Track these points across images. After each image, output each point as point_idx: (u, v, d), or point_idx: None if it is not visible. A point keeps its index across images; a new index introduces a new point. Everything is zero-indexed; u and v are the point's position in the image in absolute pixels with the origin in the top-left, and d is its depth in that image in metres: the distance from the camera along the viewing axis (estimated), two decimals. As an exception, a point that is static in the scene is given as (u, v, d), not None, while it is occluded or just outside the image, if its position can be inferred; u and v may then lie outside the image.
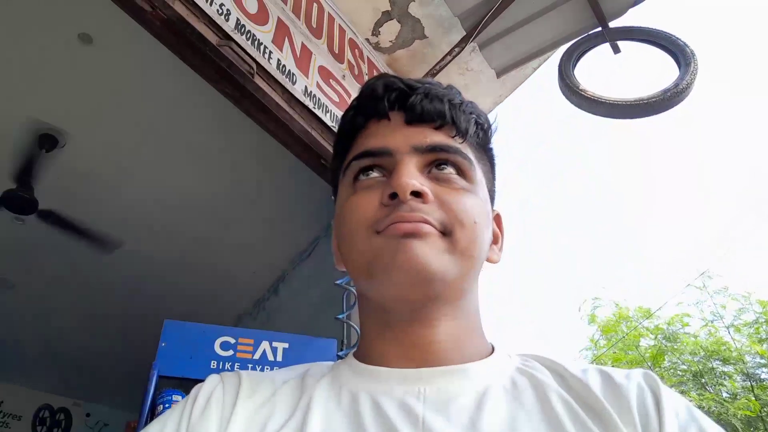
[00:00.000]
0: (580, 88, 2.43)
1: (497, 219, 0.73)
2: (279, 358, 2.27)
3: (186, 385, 2.27)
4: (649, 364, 10.26)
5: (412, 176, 0.58)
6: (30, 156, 3.26)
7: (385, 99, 0.65)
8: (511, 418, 0.53)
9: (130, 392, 3.67)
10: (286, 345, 2.31)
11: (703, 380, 9.60)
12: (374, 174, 0.63)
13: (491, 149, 0.72)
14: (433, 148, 0.62)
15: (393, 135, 0.64)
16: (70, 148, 3.30)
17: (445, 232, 0.57)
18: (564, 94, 2.51)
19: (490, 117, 0.73)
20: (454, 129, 0.64)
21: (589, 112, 2.45)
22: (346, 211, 0.63)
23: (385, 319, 0.62)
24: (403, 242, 0.55)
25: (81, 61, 2.80)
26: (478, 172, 0.65)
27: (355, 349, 0.67)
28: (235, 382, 0.61)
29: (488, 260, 0.67)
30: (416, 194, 0.57)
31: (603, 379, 0.58)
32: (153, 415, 2.04)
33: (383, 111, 0.66)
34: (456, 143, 0.64)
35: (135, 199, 3.54)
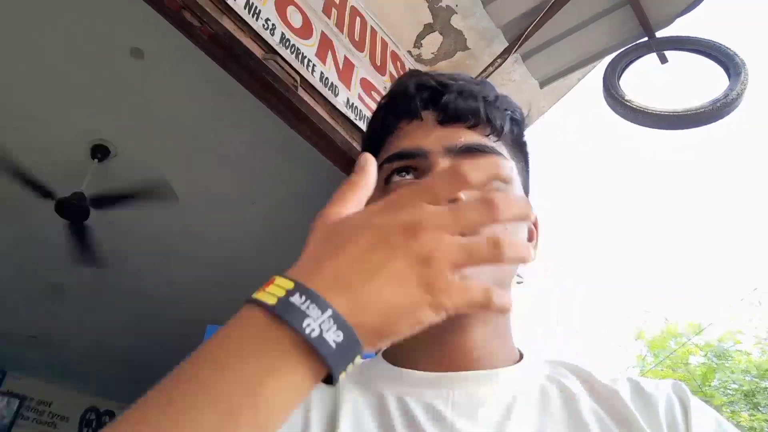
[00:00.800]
0: (626, 98, 2.38)
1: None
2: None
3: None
4: (698, 383, 9.93)
5: None
6: (83, 165, 3.39)
7: (417, 98, 0.64)
8: (539, 426, 0.53)
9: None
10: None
11: (755, 400, 9.22)
12: (408, 176, 0.61)
13: (525, 143, 0.70)
14: (468, 148, 0.60)
15: (426, 135, 0.62)
16: (121, 159, 3.43)
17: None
18: (609, 105, 2.46)
19: (524, 109, 0.70)
20: (488, 127, 0.62)
21: (635, 123, 2.40)
22: None
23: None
24: None
25: (133, 74, 2.91)
26: (515, 172, 0.64)
27: (383, 351, 0.67)
28: None
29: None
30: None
31: (633, 389, 0.57)
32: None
33: (415, 110, 0.64)
34: (490, 142, 0.62)
35: (181, 206, 3.63)
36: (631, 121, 2.41)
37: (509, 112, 0.65)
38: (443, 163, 0.58)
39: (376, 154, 0.66)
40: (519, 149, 0.68)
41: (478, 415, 0.54)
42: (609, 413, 0.55)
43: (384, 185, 0.62)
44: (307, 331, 0.33)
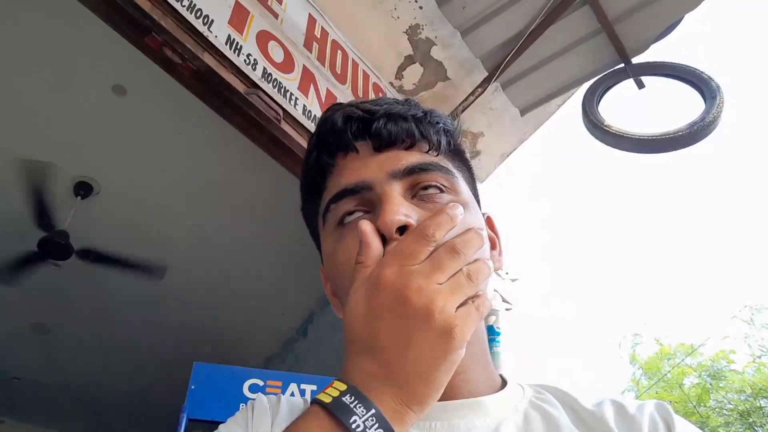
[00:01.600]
0: (605, 124, 2.42)
1: (489, 222, 0.69)
2: (307, 398, 2.27)
3: (215, 428, 2.27)
4: (693, 403, 9.89)
5: (395, 212, 0.53)
6: (65, 203, 3.36)
7: (348, 131, 0.62)
8: None
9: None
10: (314, 387, 2.31)
11: (751, 420, 9.19)
12: (358, 214, 0.59)
13: (463, 151, 0.68)
14: (411, 170, 0.58)
15: (366, 166, 0.60)
16: (104, 195, 3.41)
17: None
18: (589, 130, 2.50)
19: (449, 117, 0.69)
20: (425, 144, 0.61)
21: (615, 147, 2.44)
22: (338, 260, 0.60)
23: None
24: None
25: (115, 111, 2.91)
26: (461, 182, 0.62)
27: None
28: (276, 404, 0.65)
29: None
30: (404, 228, 0.53)
31: (616, 411, 0.57)
32: (183, 460, 2.04)
33: (349, 143, 0.62)
34: (432, 158, 0.61)
35: (167, 243, 3.60)
36: (611, 146, 2.44)
37: (441, 124, 0.64)
38: (391, 189, 0.57)
39: (317, 197, 0.66)
40: (459, 157, 0.67)
41: None
42: None
43: (336, 227, 0.61)
44: (353, 426, 0.39)
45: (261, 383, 2.26)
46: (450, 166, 0.62)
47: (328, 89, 2.36)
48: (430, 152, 0.61)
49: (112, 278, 4.06)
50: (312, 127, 2.19)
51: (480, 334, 0.63)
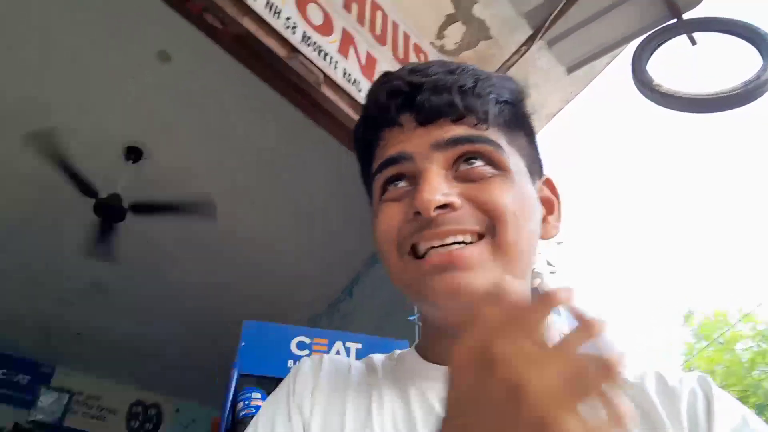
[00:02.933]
0: (655, 83, 2.33)
1: (549, 184, 0.68)
2: (353, 357, 2.33)
3: (264, 383, 2.36)
4: (746, 367, 9.67)
5: (434, 190, 0.53)
6: (117, 167, 3.48)
7: (392, 105, 0.61)
8: None
9: (216, 390, 3.86)
10: (359, 345, 2.36)
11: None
12: (401, 183, 0.59)
13: (525, 116, 0.65)
14: (454, 141, 0.57)
15: (409, 139, 0.59)
16: (154, 160, 3.51)
17: (486, 234, 0.54)
18: (638, 89, 2.41)
19: (517, 82, 0.65)
20: (472, 117, 0.58)
21: (665, 107, 2.35)
22: (376, 225, 0.61)
23: (439, 326, 0.62)
24: (441, 275, 0.53)
25: (161, 77, 2.97)
26: (512, 155, 0.60)
27: (416, 343, 0.69)
28: (318, 365, 0.66)
29: (545, 237, 0.63)
30: (444, 206, 0.53)
31: (657, 381, 0.56)
32: (234, 411, 2.15)
33: (393, 119, 0.61)
34: (478, 131, 0.58)
35: (217, 204, 3.69)
36: (661, 105, 2.36)
37: (493, 95, 0.60)
38: (431, 163, 0.56)
39: (369, 169, 0.66)
40: (516, 128, 0.63)
41: None
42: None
43: (380, 196, 0.62)
44: None
45: (308, 341, 2.33)
46: (500, 139, 0.60)
47: (368, 51, 2.35)
48: (478, 125, 0.59)
49: (167, 239, 4.22)
50: (352, 90, 2.19)
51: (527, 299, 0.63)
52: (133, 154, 3.43)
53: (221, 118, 3.20)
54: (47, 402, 6.51)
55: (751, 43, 2.25)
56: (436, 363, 0.62)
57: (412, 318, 2.59)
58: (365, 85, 2.25)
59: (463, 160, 0.57)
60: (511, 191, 0.56)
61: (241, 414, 2.12)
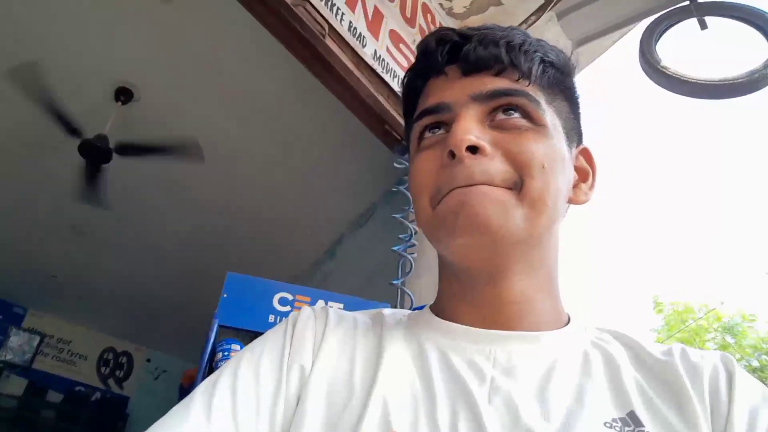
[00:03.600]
0: (662, 65, 2.31)
1: (585, 154, 0.68)
2: (335, 317, 2.32)
3: (243, 335, 2.35)
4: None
5: (467, 130, 0.55)
6: (106, 108, 3.38)
7: (439, 53, 0.62)
8: (578, 390, 0.53)
9: (189, 342, 3.85)
10: (341, 305, 2.35)
11: (763, 375, 9.25)
12: (438, 132, 0.61)
13: (570, 86, 0.66)
14: (494, 93, 0.58)
15: (451, 88, 0.60)
16: (144, 102, 3.42)
17: (513, 184, 0.55)
18: (644, 70, 2.39)
19: (567, 53, 0.66)
20: (516, 72, 0.59)
21: (670, 90, 2.34)
22: (412, 174, 0.62)
23: (458, 277, 0.62)
24: (463, 205, 0.54)
25: (160, 18, 2.87)
26: (549, 113, 0.60)
27: (432, 303, 0.68)
28: (324, 314, 0.64)
29: (575, 201, 0.64)
30: (474, 150, 0.54)
31: (681, 355, 0.56)
32: (212, 361, 2.13)
33: (439, 66, 0.62)
34: (520, 86, 0.59)
35: (204, 152, 3.63)
36: (666, 89, 2.34)
37: (539, 54, 0.61)
38: (467, 111, 0.58)
39: (411, 117, 0.66)
40: (559, 91, 0.64)
41: (518, 373, 0.54)
42: (653, 382, 0.54)
43: (417, 143, 0.63)
44: None
45: (290, 297, 2.31)
46: (540, 96, 0.60)
47: (375, 6, 2.29)
48: (520, 80, 0.59)
49: (152, 185, 4.15)
50: (356, 44, 2.13)
51: (551, 261, 0.63)
52: (123, 95, 3.34)
53: (217, 65, 3.12)
54: (17, 343, 6.49)
55: (762, 32, 2.23)
56: (453, 321, 0.61)
57: (395, 282, 2.58)
58: (370, 41, 2.20)
59: (500, 111, 0.58)
60: (542, 144, 0.57)
61: (219, 364, 2.11)
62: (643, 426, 0.49)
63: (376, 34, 2.25)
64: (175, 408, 0.54)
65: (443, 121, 0.60)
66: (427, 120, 0.61)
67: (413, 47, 2.43)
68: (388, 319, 0.66)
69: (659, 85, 2.35)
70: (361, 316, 0.67)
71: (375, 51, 2.22)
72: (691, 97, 2.31)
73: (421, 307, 0.69)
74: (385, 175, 3.14)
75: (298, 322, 0.63)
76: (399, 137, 2.32)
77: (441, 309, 0.64)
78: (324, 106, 2.86)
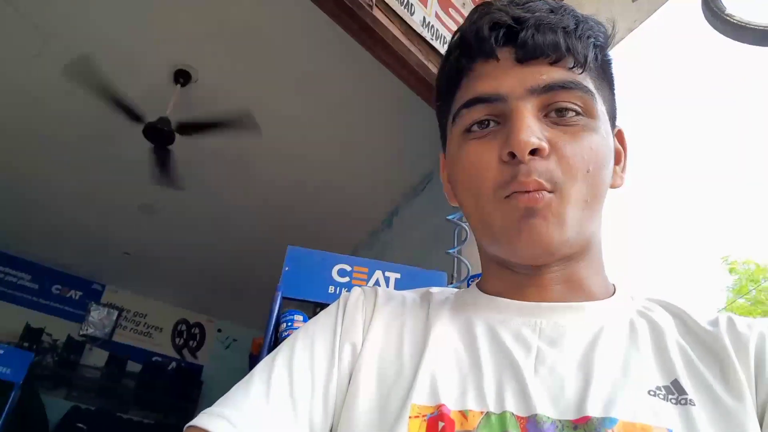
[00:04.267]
0: (727, 12, 2.18)
1: (619, 135, 0.68)
2: (392, 286, 2.36)
3: (305, 306, 2.43)
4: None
5: (530, 132, 0.53)
6: (166, 90, 3.49)
7: (492, 38, 0.59)
8: (624, 357, 0.53)
9: (256, 312, 3.98)
10: (398, 275, 2.39)
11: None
12: (491, 125, 0.59)
13: (610, 65, 0.65)
14: (551, 87, 0.56)
15: (505, 76, 0.58)
16: (202, 84, 3.51)
17: (557, 187, 0.54)
18: (707, 19, 2.26)
19: (606, 26, 0.65)
20: (571, 60, 0.58)
21: (736, 39, 2.21)
22: (465, 163, 0.60)
23: (507, 266, 0.63)
24: (525, 222, 0.54)
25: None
26: (600, 103, 0.59)
27: (478, 280, 0.69)
28: (374, 294, 0.67)
29: (611, 186, 0.64)
30: (534, 151, 0.54)
31: (728, 324, 0.56)
32: (277, 332, 2.22)
33: (491, 51, 0.59)
34: (575, 76, 0.57)
35: (262, 131, 3.71)
36: (732, 38, 2.21)
37: (592, 39, 0.60)
38: (525, 106, 0.56)
39: (452, 96, 0.64)
40: (604, 75, 0.63)
41: (563, 343, 0.55)
42: (699, 349, 0.54)
43: (464, 131, 0.61)
44: None
45: (348, 268, 2.37)
46: (591, 85, 0.59)
47: (423, -28, 2.25)
48: (574, 68, 0.58)
49: (215, 163, 4.28)
50: (404, 13, 2.11)
51: (597, 245, 0.63)
52: (182, 77, 3.44)
53: (269, 41, 3.16)
54: (98, 317, 6.88)
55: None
56: (499, 297, 0.62)
57: (451, 251, 2.58)
58: (418, 8, 2.17)
59: (555, 108, 0.57)
60: (594, 141, 0.57)
61: (283, 334, 2.20)
62: (686, 394, 0.49)
63: (424, 1, 2.21)
64: (237, 385, 0.57)
65: (497, 113, 0.58)
66: (480, 112, 0.59)
67: (463, 10, 2.38)
68: (436, 297, 0.68)
69: (725, 34, 2.23)
70: (410, 294, 0.69)
71: (424, 18, 2.20)
72: (759, 45, 2.18)
73: (478, 275, 0.70)
74: (439, 143, 3.12)
75: (349, 302, 0.66)
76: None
77: (487, 285, 0.66)
78: (375, 76, 2.85)
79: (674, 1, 2.65)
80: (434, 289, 0.70)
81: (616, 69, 0.66)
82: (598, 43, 0.61)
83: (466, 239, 2.52)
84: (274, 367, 0.58)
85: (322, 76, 3.34)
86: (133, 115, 3.51)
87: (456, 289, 0.72)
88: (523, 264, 0.59)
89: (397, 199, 4.24)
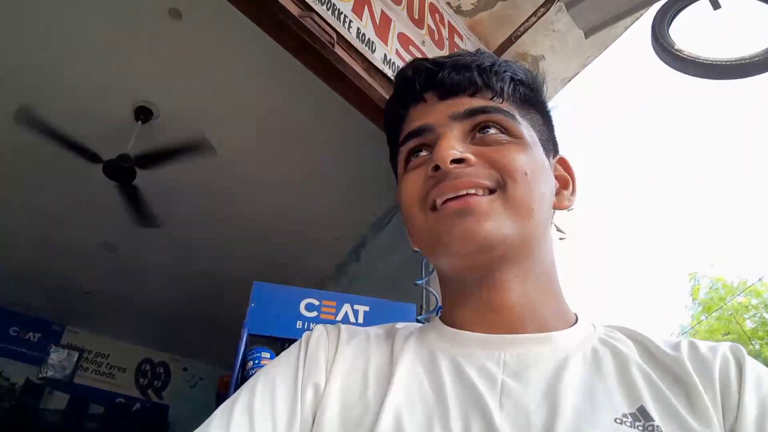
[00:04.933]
0: (676, 48, 2.27)
1: (563, 163, 0.73)
2: (360, 320, 2.35)
3: (273, 343, 2.39)
4: (748, 336, 9.75)
5: (451, 146, 0.60)
6: (127, 128, 3.46)
7: (417, 82, 0.67)
8: (588, 386, 0.54)
9: (223, 349, 3.90)
10: (367, 308, 2.38)
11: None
12: (423, 153, 0.65)
13: (541, 100, 0.71)
14: (471, 112, 0.63)
15: (432, 112, 0.65)
16: (163, 119, 3.48)
17: (497, 188, 0.59)
18: (658, 54, 2.35)
19: (533, 70, 0.72)
20: (489, 91, 0.65)
21: (684, 73, 2.30)
22: (401, 192, 0.66)
23: (458, 286, 0.64)
24: (455, 221, 0.57)
25: (172, 35, 2.93)
26: (524, 126, 0.65)
27: (440, 313, 0.70)
28: (336, 332, 0.67)
29: (558, 207, 0.68)
30: (459, 161, 0.59)
31: (690, 350, 0.57)
32: (244, 369, 2.18)
33: (418, 94, 0.67)
34: (495, 103, 0.64)
35: (222, 166, 3.68)
36: (681, 71, 2.30)
37: (509, 73, 0.67)
38: (449, 129, 0.62)
39: (396, 142, 0.71)
40: (531, 106, 0.69)
41: (528, 376, 0.55)
42: (662, 374, 0.55)
43: (404, 165, 0.67)
44: None
45: (316, 302, 2.35)
46: (515, 111, 0.65)
47: (382, 10, 2.30)
48: (495, 99, 0.65)
49: (176, 199, 4.22)
50: (366, 50, 2.15)
51: (546, 264, 0.65)
52: (143, 114, 3.41)
53: (231, 78, 3.17)
54: (58, 359, 6.63)
55: (777, 7, 2.19)
56: (462, 329, 0.63)
57: (419, 282, 2.59)
58: (379, 46, 2.21)
59: (479, 129, 0.63)
60: (523, 154, 0.62)
61: (250, 372, 2.15)
62: (653, 420, 0.50)
63: (384, 39, 2.26)
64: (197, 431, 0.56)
65: (427, 143, 0.64)
66: (412, 143, 0.66)
67: (423, 48, 2.44)
68: (401, 332, 0.68)
69: (674, 68, 2.32)
70: (374, 330, 0.69)
71: (385, 55, 2.23)
72: (707, 78, 2.27)
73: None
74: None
75: (311, 341, 0.65)
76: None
77: (449, 318, 0.66)
78: (338, 111, 2.88)
79: (626, 36, 2.76)
80: (399, 325, 0.71)
81: (555, 104, 0.72)
82: (517, 77, 0.67)
83: (433, 270, 2.53)
84: (234, 413, 0.56)
85: (284, 110, 3.35)
86: (89, 155, 3.45)
87: (420, 324, 0.72)
88: (463, 267, 0.61)
89: (363, 232, 4.24)
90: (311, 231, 4.44)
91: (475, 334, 0.61)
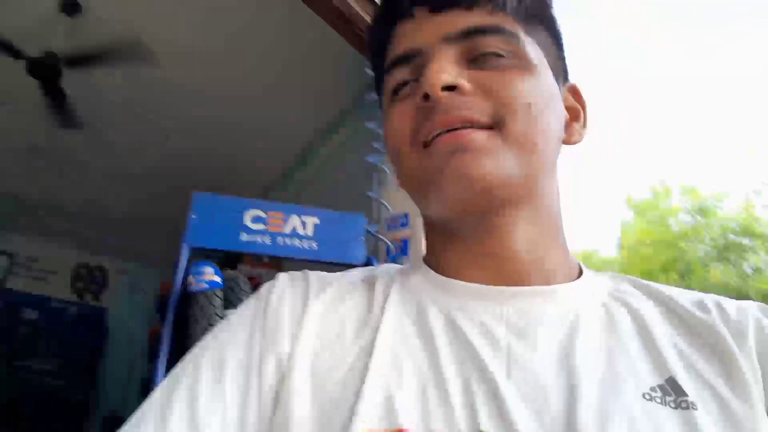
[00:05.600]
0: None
1: (574, 91, 0.62)
2: (309, 232, 2.26)
3: (216, 256, 2.29)
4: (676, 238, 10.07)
5: (442, 68, 0.49)
6: (52, 21, 3.10)
7: None
8: (608, 353, 0.46)
9: (164, 253, 3.79)
10: (316, 220, 2.29)
11: (727, 255, 9.43)
12: (413, 84, 0.54)
13: (550, 17, 0.59)
14: (468, 32, 0.52)
15: (421, 31, 0.54)
16: (93, 14, 3.13)
17: (496, 124, 0.49)
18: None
19: None
20: (489, 4, 0.53)
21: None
22: (389, 130, 0.56)
23: (451, 231, 0.54)
24: (449, 159, 0.48)
25: None
26: (531, 47, 0.54)
27: (424, 255, 0.61)
28: (303, 283, 0.56)
29: (568, 142, 0.58)
30: (451, 88, 0.49)
31: (719, 312, 0.49)
32: (186, 285, 2.07)
33: (405, 8, 0.56)
34: (494, 19, 0.53)
35: (161, 65, 3.38)
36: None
37: None
38: (440, 54, 0.51)
39: (381, 66, 0.60)
40: (539, 22, 0.57)
41: (536, 337, 0.47)
42: (692, 345, 0.47)
43: (391, 97, 0.56)
44: None
45: (263, 214, 2.23)
46: (517, 28, 0.53)
47: None
48: (493, 12, 0.53)
49: (110, 100, 3.91)
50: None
51: (554, 205, 0.56)
52: (70, 6, 3.05)
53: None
54: (-14, 265, 6.40)
55: None
56: (454, 278, 0.53)
57: (371, 194, 2.50)
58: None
59: (479, 54, 0.52)
60: (527, 81, 0.51)
61: (193, 289, 2.05)
62: (686, 395, 0.42)
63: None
64: (127, 425, 0.45)
65: (417, 68, 0.53)
66: (400, 75, 0.55)
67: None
68: (381, 279, 0.57)
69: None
70: (348, 277, 0.58)
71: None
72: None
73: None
74: (356, 81, 2.97)
75: (272, 297, 0.53)
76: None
77: (436, 262, 0.56)
78: (290, 11, 2.63)
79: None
80: (378, 270, 0.60)
81: (555, 21, 0.60)
82: None
83: (386, 181, 2.45)
84: (173, 402, 0.45)
85: (232, 9, 3.05)
86: (11, 51, 3.09)
87: (398, 267, 0.61)
88: (457, 212, 0.51)
89: (310, 138, 4.07)
90: (256, 134, 4.23)
91: (471, 284, 0.52)
